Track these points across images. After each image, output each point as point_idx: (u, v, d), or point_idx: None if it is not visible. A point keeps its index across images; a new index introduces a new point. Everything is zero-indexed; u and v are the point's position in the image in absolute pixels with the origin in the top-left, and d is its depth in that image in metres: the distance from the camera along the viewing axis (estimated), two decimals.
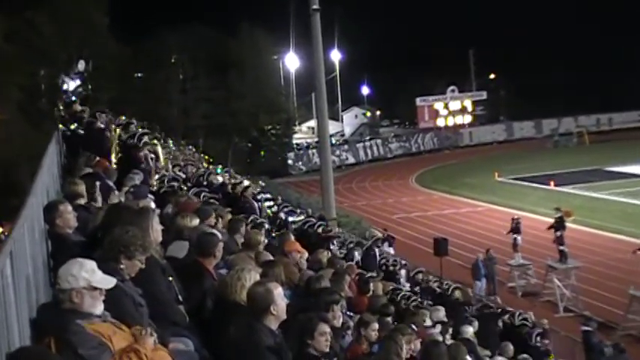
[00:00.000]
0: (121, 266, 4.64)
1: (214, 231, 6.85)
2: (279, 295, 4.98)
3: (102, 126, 11.53)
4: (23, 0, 42.20)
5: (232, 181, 18.98)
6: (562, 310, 24.46)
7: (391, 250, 28.42)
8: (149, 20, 65.03)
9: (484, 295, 24.38)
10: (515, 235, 27.77)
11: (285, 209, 18.41)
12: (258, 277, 5.62)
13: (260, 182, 16.55)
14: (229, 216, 9.39)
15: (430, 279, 20.83)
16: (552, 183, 48.41)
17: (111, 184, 8.99)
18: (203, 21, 66.38)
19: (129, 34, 56.96)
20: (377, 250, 20.23)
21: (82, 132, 11.45)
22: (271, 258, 7.52)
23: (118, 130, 12.26)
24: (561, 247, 25.69)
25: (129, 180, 9.74)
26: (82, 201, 7.11)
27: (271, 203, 20.12)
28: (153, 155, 12.44)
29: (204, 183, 15.20)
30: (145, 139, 12.04)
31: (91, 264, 4.12)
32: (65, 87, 11.31)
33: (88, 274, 4.04)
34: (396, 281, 17.14)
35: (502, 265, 27.51)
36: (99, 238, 5.19)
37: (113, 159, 11.23)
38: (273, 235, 12.30)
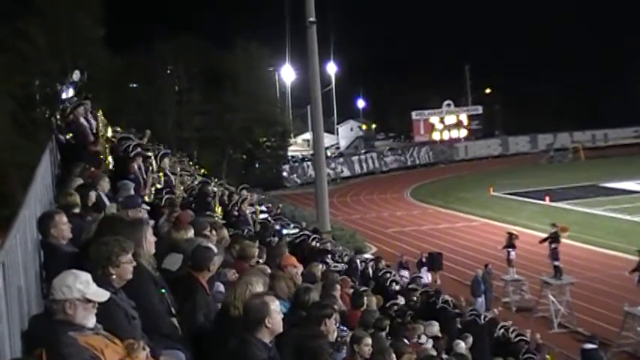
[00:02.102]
0: (112, 277, 4.63)
1: (210, 244, 6.84)
2: (275, 309, 4.95)
3: (81, 117, 11.44)
4: (15, 10, 42.24)
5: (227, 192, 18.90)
6: (556, 326, 24.44)
7: (406, 273, 27.77)
8: (144, 32, 65.11)
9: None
10: (509, 250, 27.78)
11: (280, 222, 18.44)
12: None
13: (243, 191, 16.35)
14: (225, 229, 9.36)
15: (425, 293, 20.76)
16: (547, 198, 48.48)
17: (103, 194, 8.95)
18: (198, 33, 66.56)
19: (124, 45, 57.07)
20: (359, 261, 20.50)
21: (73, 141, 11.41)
22: (268, 271, 7.50)
23: (104, 125, 12.18)
24: (556, 263, 25.69)
25: (122, 190, 9.72)
26: (78, 210, 7.09)
27: (265, 215, 20.11)
28: (149, 166, 12.40)
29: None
30: (139, 150, 12.00)
31: (86, 276, 4.10)
32: (64, 96, 11.22)
33: (82, 286, 4.03)
34: (390, 295, 17.10)
35: (496, 281, 27.50)
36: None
37: (99, 149, 11.14)
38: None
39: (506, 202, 51.53)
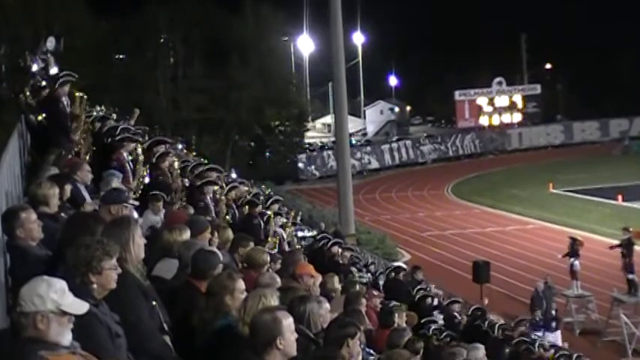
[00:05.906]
0: (93, 285, 4.63)
1: (214, 249, 6.84)
2: (289, 327, 4.92)
3: (63, 96, 11.46)
4: None
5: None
6: (631, 354, 24.25)
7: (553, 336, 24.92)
8: None
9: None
10: (572, 260, 27.54)
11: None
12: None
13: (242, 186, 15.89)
14: (229, 230, 9.34)
15: (469, 310, 20.74)
16: (620, 197, 48.19)
17: (83, 189, 8.96)
18: None
19: (109, 7, 57.33)
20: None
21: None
22: (278, 282, 7.48)
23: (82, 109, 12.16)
24: (630, 276, 25.49)
25: (104, 183, 9.72)
26: (51, 208, 7.10)
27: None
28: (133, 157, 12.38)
29: None
30: (126, 134, 12.00)
31: (61, 284, 4.09)
32: (35, 68, 11.28)
33: (57, 296, 4.02)
34: (426, 312, 17.07)
35: (557, 297, 27.33)
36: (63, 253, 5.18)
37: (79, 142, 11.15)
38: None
39: (569, 201, 51.37)
